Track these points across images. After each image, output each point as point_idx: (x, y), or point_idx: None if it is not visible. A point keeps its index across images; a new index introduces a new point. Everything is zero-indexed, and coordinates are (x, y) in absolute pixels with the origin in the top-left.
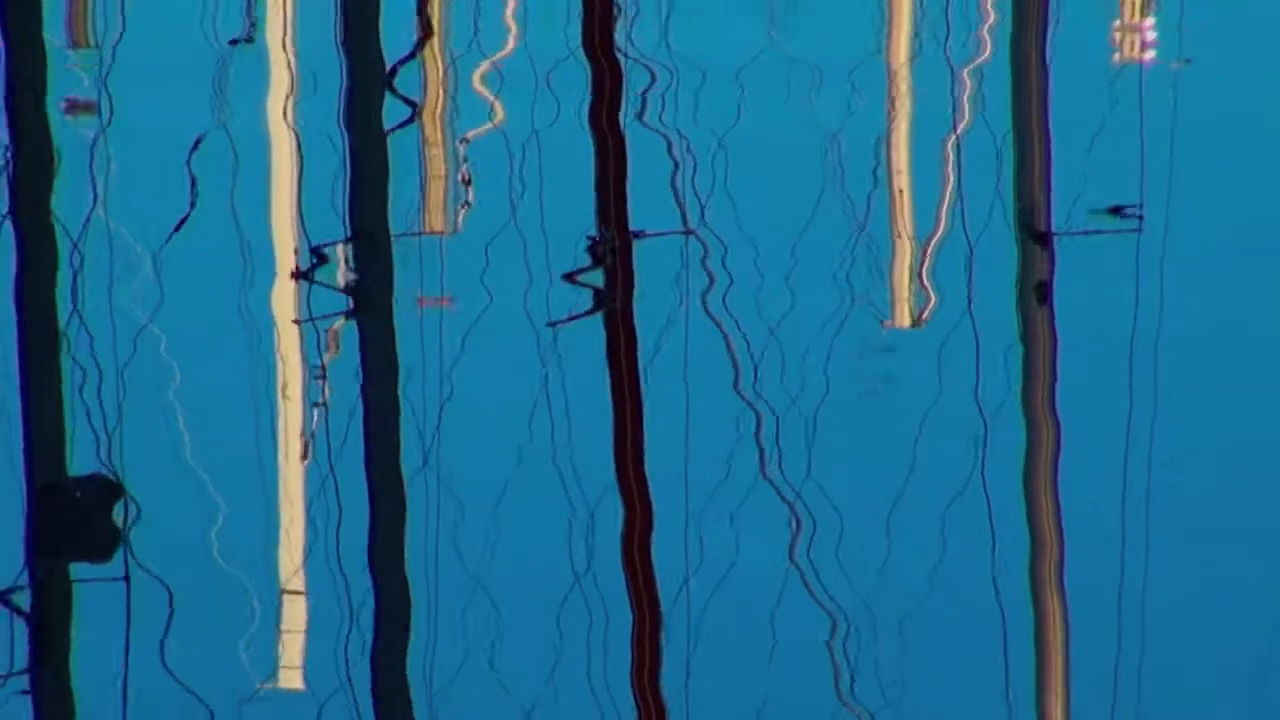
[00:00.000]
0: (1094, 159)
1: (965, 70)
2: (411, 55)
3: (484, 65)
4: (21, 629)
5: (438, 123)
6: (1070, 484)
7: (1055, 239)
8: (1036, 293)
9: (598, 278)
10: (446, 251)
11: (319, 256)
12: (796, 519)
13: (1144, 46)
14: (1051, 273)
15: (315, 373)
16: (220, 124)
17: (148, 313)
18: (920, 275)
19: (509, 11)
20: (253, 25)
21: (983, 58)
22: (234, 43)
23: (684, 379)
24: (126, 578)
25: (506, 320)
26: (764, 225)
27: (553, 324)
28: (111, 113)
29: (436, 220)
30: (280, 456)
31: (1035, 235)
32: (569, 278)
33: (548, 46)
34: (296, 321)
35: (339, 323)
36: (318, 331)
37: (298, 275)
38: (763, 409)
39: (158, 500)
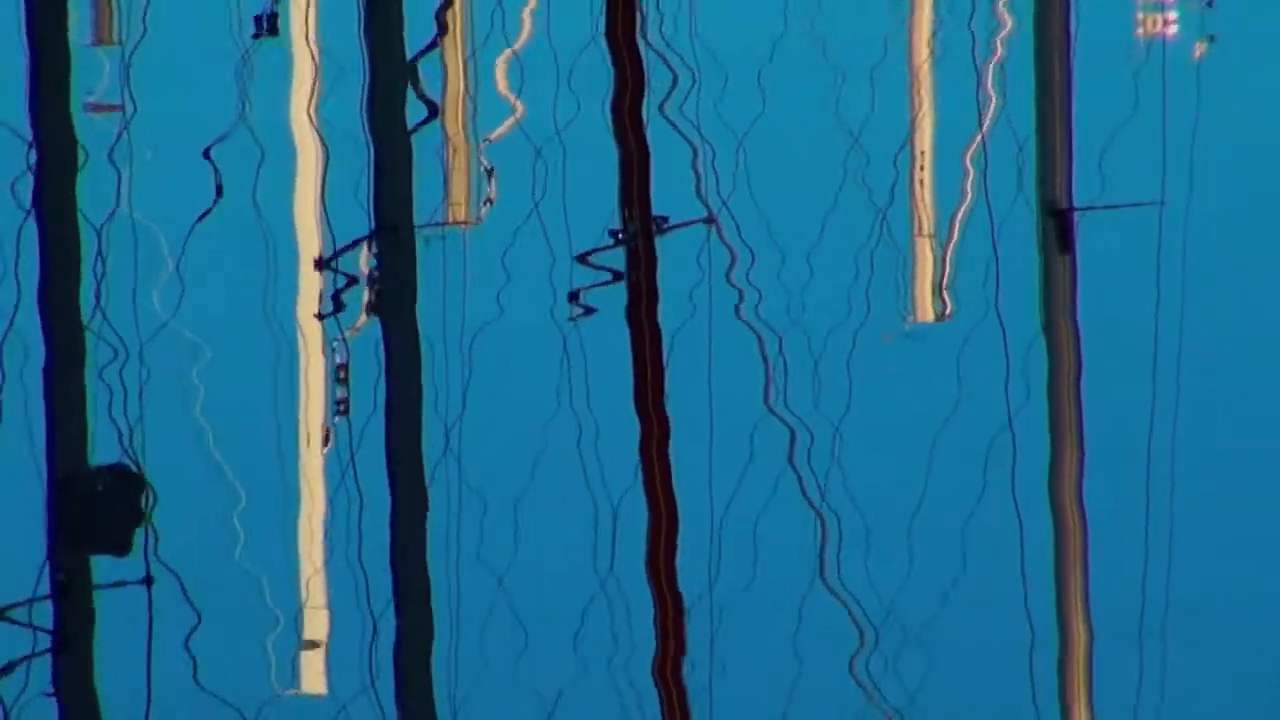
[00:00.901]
0: (1116, 142)
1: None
2: (431, 46)
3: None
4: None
5: (459, 117)
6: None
7: (1076, 215)
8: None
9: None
10: (469, 243)
11: (337, 304)
12: (822, 520)
13: (1166, 24)
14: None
15: (337, 374)
16: (243, 119)
17: (171, 308)
18: (941, 287)
19: (528, 8)
20: (275, 15)
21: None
22: (257, 35)
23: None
24: (148, 579)
25: (528, 313)
26: (784, 217)
27: (574, 294)
28: (135, 108)
29: (460, 212)
30: (301, 445)
31: (1056, 212)
32: (582, 259)
33: (569, 40)
34: (319, 316)
35: (361, 319)
36: (340, 327)
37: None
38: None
39: (178, 493)
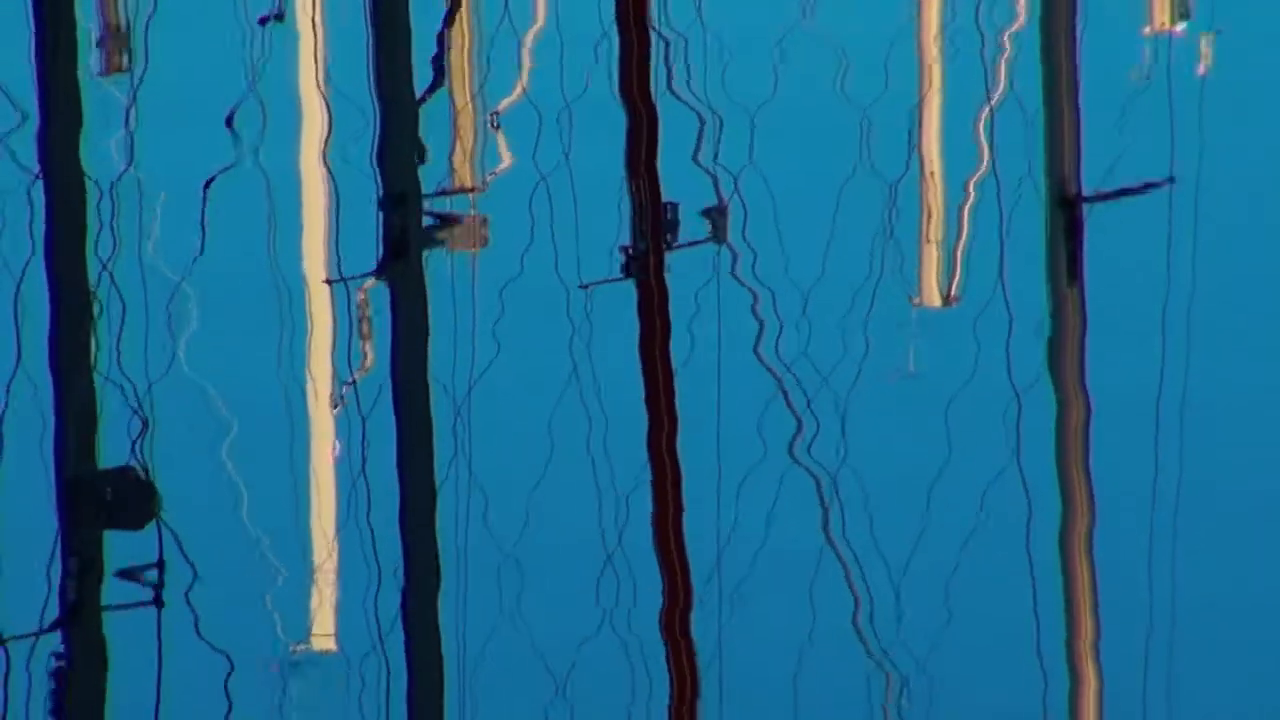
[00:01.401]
0: (1124, 130)
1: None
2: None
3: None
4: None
5: (467, 88)
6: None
7: (1086, 205)
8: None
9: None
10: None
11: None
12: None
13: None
14: (1081, 240)
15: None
16: (252, 89)
17: (179, 272)
18: (954, 253)
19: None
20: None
21: (1017, 24)
22: (264, 21)
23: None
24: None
25: (537, 282)
26: (793, 200)
27: (585, 286)
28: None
29: (466, 178)
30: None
31: (1065, 200)
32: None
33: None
34: (328, 281)
35: (370, 282)
36: (349, 291)
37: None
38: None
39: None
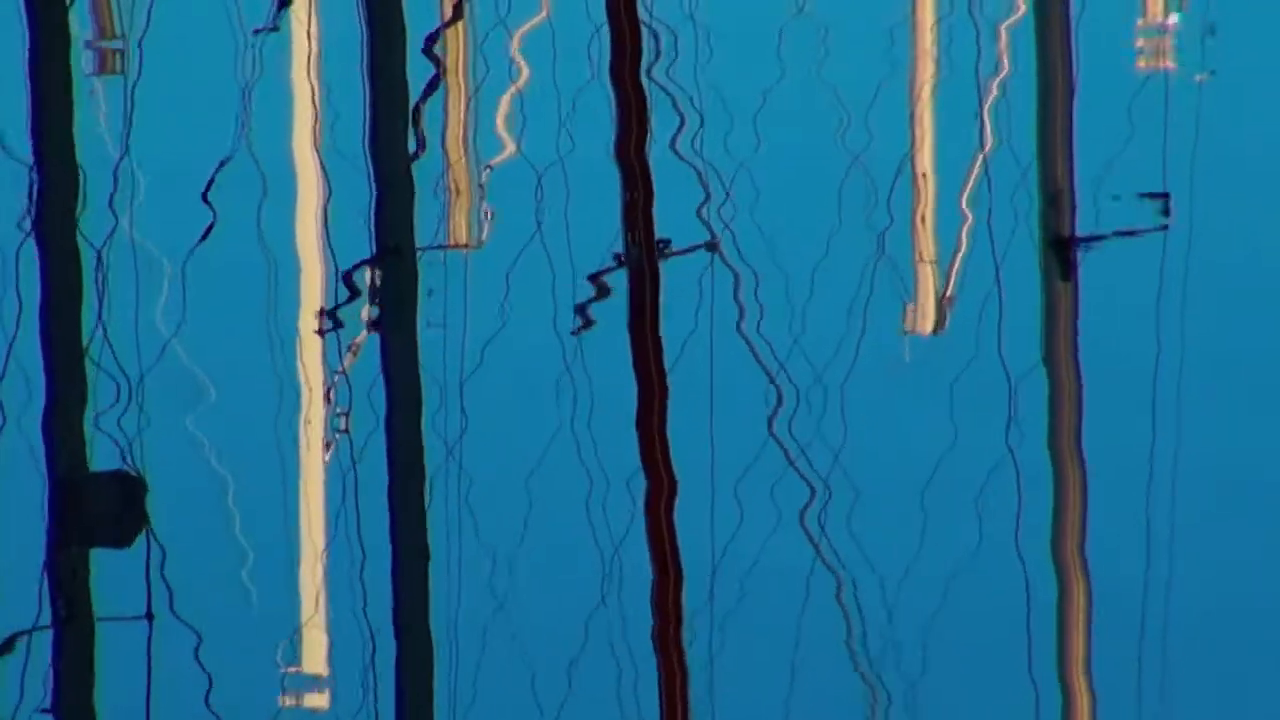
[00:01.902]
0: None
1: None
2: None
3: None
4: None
5: (460, 143)
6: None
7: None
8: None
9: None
10: (471, 265)
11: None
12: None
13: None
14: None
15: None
16: (245, 144)
17: (172, 326)
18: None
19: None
20: (278, 14)
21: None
22: (258, 32)
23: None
24: (149, 614)
25: (529, 333)
26: (786, 240)
27: (576, 331)
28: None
29: (461, 234)
30: (302, 456)
31: (1059, 241)
32: (593, 278)
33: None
34: (319, 332)
35: (362, 335)
36: (340, 343)
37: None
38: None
39: (178, 507)
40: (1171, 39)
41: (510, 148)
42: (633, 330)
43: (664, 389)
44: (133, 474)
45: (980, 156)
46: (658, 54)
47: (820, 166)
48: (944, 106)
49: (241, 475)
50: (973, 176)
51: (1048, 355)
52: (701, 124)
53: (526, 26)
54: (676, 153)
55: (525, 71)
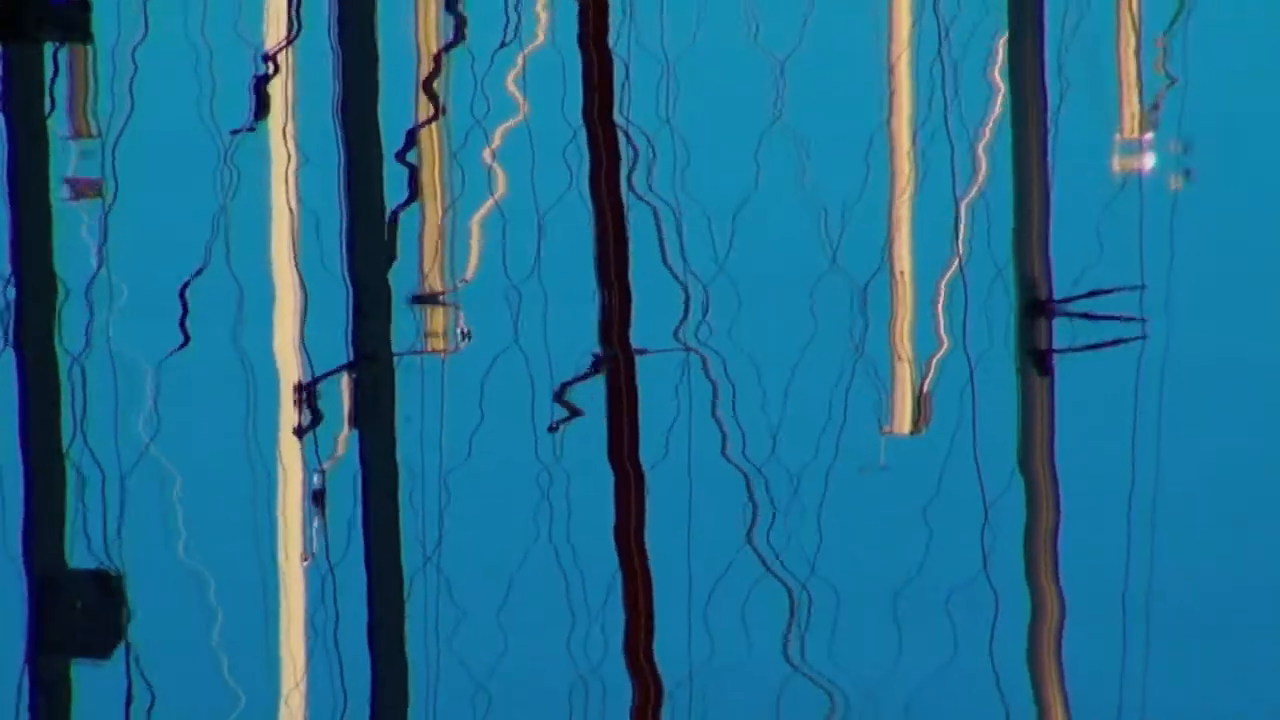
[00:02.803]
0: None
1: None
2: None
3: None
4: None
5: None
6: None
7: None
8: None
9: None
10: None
11: (315, 416)
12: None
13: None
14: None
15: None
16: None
17: (150, 432)
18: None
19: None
20: (255, 115)
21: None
22: (235, 132)
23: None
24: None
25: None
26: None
27: (553, 428)
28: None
29: (438, 342)
30: (280, 559)
31: (1035, 351)
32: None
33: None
34: (297, 432)
35: (343, 433)
36: (317, 443)
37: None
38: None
39: (156, 609)
40: (1149, 153)
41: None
42: (610, 431)
43: (641, 493)
44: (111, 573)
45: (957, 257)
46: (635, 160)
47: (797, 267)
48: (921, 208)
49: (220, 575)
50: (948, 275)
51: (1023, 460)
52: (679, 226)
53: (504, 127)
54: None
55: (502, 181)
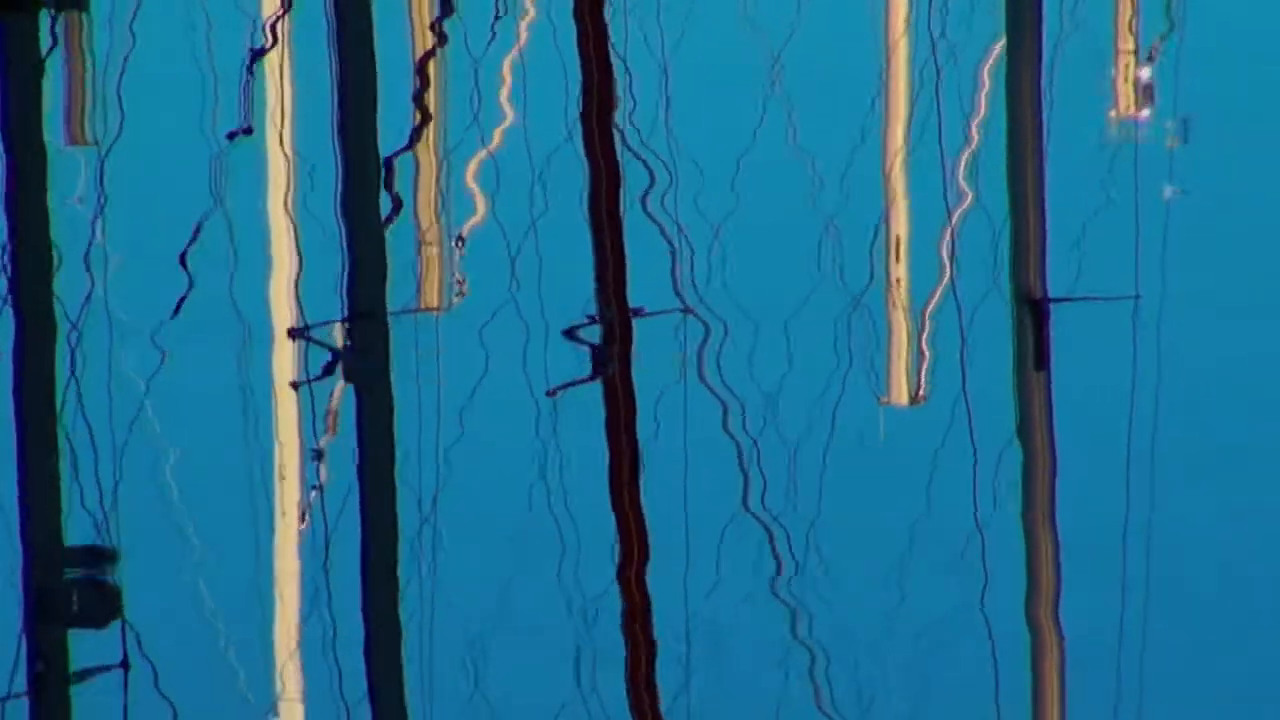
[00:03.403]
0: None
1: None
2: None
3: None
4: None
5: (432, 208)
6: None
7: (1051, 305)
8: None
9: (594, 335)
10: (441, 328)
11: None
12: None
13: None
14: (1048, 338)
15: (312, 454)
16: (219, 208)
17: (144, 385)
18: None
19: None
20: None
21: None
22: (232, 136)
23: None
24: (125, 664)
25: (504, 393)
26: (759, 305)
27: (551, 392)
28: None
29: (432, 297)
30: (277, 522)
31: (1031, 301)
32: (569, 334)
33: (545, 133)
34: (294, 384)
35: (338, 388)
36: (313, 396)
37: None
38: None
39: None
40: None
41: (482, 211)
42: (606, 393)
43: (635, 455)
44: (106, 547)
45: (952, 220)
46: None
47: (794, 231)
48: (917, 173)
49: (215, 542)
50: (946, 237)
51: (1022, 427)
52: (671, 182)
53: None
54: (648, 214)
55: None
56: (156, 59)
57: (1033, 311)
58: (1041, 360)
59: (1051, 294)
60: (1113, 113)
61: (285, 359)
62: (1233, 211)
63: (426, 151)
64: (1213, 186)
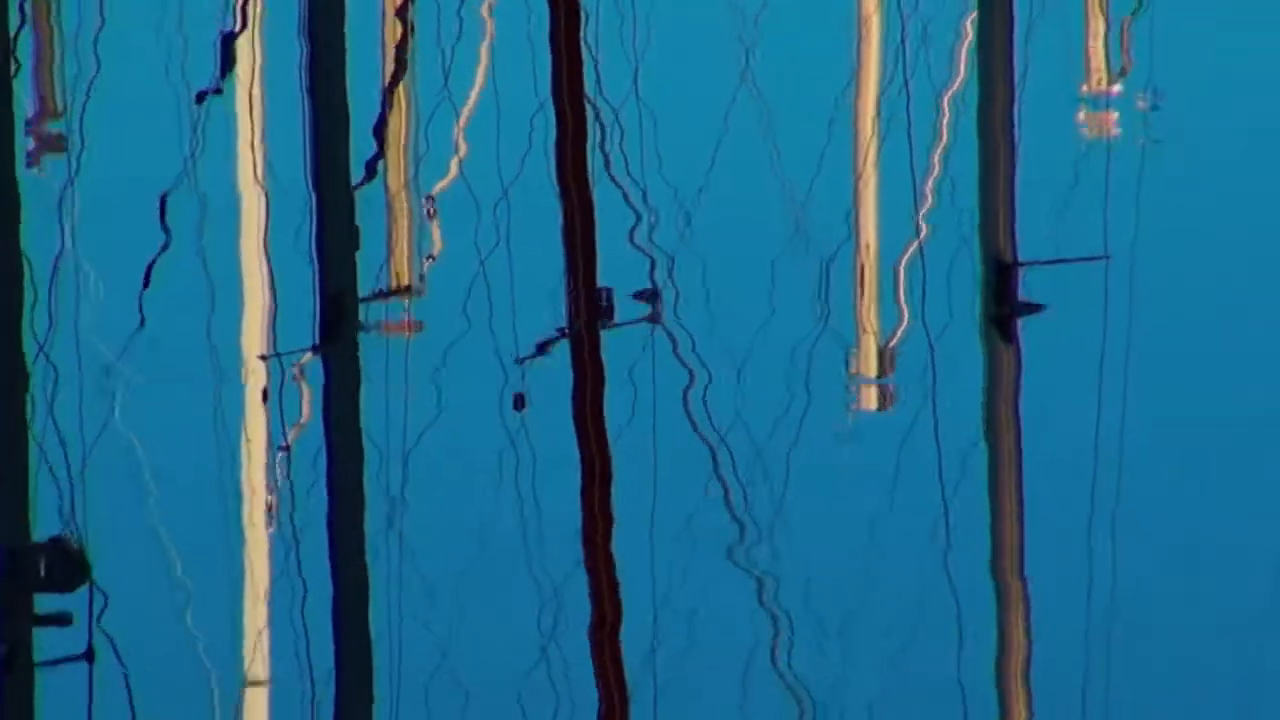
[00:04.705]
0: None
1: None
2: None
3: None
4: None
5: (402, 175)
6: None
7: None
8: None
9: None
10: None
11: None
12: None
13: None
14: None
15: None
16: (189, 174)
17: (115, 352)
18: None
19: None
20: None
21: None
22: (202, 97)
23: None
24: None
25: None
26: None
27: (521, 360)
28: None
29: (403, 276)
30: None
31: (1001, 267)
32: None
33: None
34: (263, 357)
35: (306, 358)
36: (283, 369)
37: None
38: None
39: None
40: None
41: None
42: (575, 405)
43: (606, 464)
44: (73, 543)
45: (921, 225)
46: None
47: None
48: (886, 176)
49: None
50: (914, 245)
51: (989, 426)
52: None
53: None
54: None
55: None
56: (127, 33)
57: (999, 274)
58: (1009, 331)
59: (1021, 259)
60: (1084, 87)
61: (255, 323)
62: (1204, 177)
63: (398, 115)
64: (1182, 151)
